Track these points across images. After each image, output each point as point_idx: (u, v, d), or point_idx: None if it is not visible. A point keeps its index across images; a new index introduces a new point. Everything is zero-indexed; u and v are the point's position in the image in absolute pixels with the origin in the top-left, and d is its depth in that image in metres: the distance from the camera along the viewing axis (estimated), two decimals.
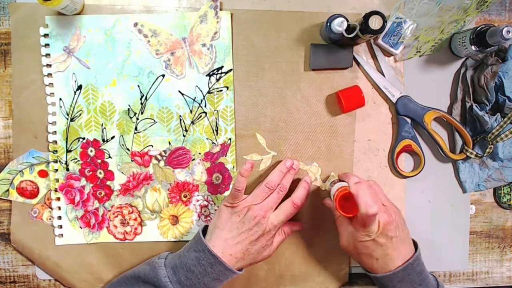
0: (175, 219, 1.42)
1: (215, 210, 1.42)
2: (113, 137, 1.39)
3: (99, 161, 1.39)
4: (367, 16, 1.21)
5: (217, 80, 1.39)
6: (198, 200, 1.42)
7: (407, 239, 1.26)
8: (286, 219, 1.29)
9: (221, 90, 1.39)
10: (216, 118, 1.39)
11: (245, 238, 1.24)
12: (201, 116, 1.39)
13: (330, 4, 1.41)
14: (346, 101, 1.36)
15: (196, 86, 1.39)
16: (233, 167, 1.41)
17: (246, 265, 1.28)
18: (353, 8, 1.41)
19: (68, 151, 1.38)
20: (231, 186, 1.42)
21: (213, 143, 1.40)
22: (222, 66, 1.39)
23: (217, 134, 1.40)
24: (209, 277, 1.21)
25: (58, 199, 1.40)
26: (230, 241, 1.23)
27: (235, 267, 1.24)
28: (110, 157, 1.40)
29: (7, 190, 1.39)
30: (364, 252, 1.22)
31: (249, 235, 1.24)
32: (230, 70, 1.39)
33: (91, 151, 1.39)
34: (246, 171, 1.25)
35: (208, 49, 1.38)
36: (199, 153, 1.41)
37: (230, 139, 1.40)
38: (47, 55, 1.37)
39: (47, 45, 1.36)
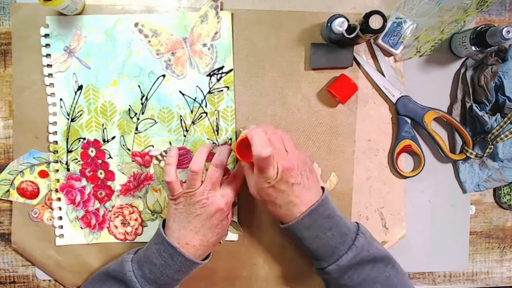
0: None
1: None
2: (113, 138, 1.39)
3: (99, 161, 1.39)
4: (367, 16, 1.21)
5: (218, 80, 1.39)
6: None
7: (313, 186, 1.21)
8: (235, 194, 1.29)
9: (222, 90, 1.39)
10: (216, 118, 1.39)
11: (197, 225, 1.23)
12: (201, 116, 1.39)
13: (330, 4, 1.41)
14: (339, 93, 1.37)
15: (197, 86, 1.39)
16: (234, 167, 1.41)
17: (208, 251, 1.29)
18: (353, 8, 1.42)
19: (68, 151, 1.38)
20: None
21: (213, 143, 1.40)
22: (223, 66, 1.39)
23: (217, 134, 1.40)
24: (171, 269, 1.20)
25: (59, 199, 1.40)
26: (182, 231, 1.23)
27: (196, 256, 1.24)
28: (110, 157, 1.40)
29: (8, 191, 1.39)
30: (268, 199, 1.19)
31: (200, 221, 1.23)
32: (230, 70, 1.39)
33: (92, 151, 1.39)
34: (171, 158, 1.25)
35: (208, 49, 1.38)
36: None
37: (230, 139, 1.40)
38: (48, 55, 1.37)
39: (47, 45, 1.36)
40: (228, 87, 1.39)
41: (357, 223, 1.25)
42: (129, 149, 1.39)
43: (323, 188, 1.24)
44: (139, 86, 1.38)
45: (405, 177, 1.46)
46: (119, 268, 1.23)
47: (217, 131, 1.40)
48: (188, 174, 1.24)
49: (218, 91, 1.39)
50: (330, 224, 1.18)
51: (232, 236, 1.43)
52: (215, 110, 1.40)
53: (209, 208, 1.22)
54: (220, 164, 1.26)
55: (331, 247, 1.17)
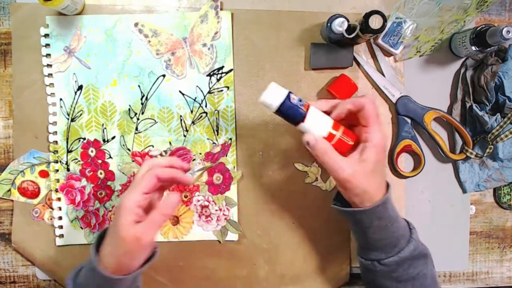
0: (175, 219, 1.42)
1: (216, 210, 1.42)
2: (113, 137, 1.39)
3: (99, 161, 1.39)
4: (367, 16, 1.21)
5: (218, 80, 1.39)
6: (198, 201, 1.42)
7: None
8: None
9: (222, 90, 1.39)
10: (216, 118, 1.40)
11: (110, 232, 1.15)
12: (201, 116, 1.39)
13: (330, 4, 1.41)
14: (339, 93, 1.37)
15: (197, 86, 1.39)
16: (234, 167, 1.41)
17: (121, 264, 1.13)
18: (353, 7, 1.42)
19: (68, 151, 1.38)
20: (231, 186, 1.42)
21: (213, 143, 1.40)
22: (223, 66, 1.39)
23: (217, 134, 1.40)
24: (96, 285, 1.12)
25: (59, 199, 1.40)
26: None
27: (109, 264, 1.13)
28: (110, 157, 1.40)
29: (9, 190, 1.40)
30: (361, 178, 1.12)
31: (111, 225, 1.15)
32: (230, 70, 1.39)
33: (92, 151, 1.39)
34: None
35: (208, 49, 1.38)
36: (200, 153, 1.41)
37: (230, 139, 1.40)
38: (48, 55, 1.37)
39: (47, 45, 1.36)
40: (228, 87, 1.39)
41: (404, 219, 1.24)
42: (129, 149, 1.39)
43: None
44: (139, 86, 1.38)
45: (405, 177, 1.46)
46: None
47: (217, 131, 1.40)
48: None
49: (218, 91, 1.39)
50: (395, 215, 1.17)
51: (232, 236, 1.43)
52: (215, 110, 1.40)
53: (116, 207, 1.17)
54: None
55: (395, 238, 1.16)
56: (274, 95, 1.10)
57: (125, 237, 1.06)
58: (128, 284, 1.13)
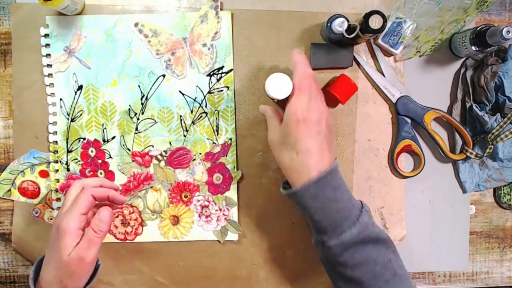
0: (175, 219, 1.42)
1: (216, 210, 1.42)
2: (113, 137, 1.39)
3: (99, 161, 1.40)
4: (367, 16, 1.21)
5: (218, 80, 1.39)
6: (198, 201, 1.42)
7: (330, 149, 1.17)
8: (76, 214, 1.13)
9: (222, 90, 1.39)
10: (216, 118, 1.40)
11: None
12: (201, 116, 1.40)
13: (330, 4, 1.41)
14: (339, 93, 1.36)
15: (197, 86, 1.39)
16: (234, 167, 1.42)
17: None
18: (353, 8, 1.42)
19: (68, 151, 1.39)
20: (231, 186, 1.43)
21: (213, 143, 1.41)
22: (223, 66, 1.39)
23: (217, 134, 1.40)
24: None
25: (59, 199, 1.40)
26: None
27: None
28: (110, 157, 1.40)
29: (9, 190, 1.40)
30: (286, 149, 1.15)
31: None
32: (230, 70, 1.40)
33: (92, 151, 1.39)
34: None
35: (208, 49, 1.38)
36: (200, 153, 1.41)
37: (230, 139, 1.41)
38: (48, 55, 1.37)
39: (47, 45, 1.37)
40: (228, 87, 1.40)
41: (360, 201, 1.20)
42: (129, 149, 1.39)
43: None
44: (139, 86, 1.38)
45: (405, 177, 1.46)
46: None
47: (217, 131, 1.40)
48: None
49: (218, 91, 1.39)
50: (336, 196, 1.12)
51: (232, 236, 1.43)
52: (215, 110, 1.40)
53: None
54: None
55: (335, 220, 1.12)
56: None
57: (69, 261, 1.07)
58: None
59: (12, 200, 1.41)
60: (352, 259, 1.12)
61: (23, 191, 1.40)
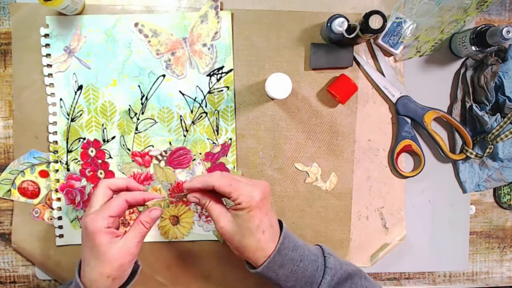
0: (175, 220, 1.42)
1: None
2: (113, 137, 1.39)
3: (99, 161, 1.39)
4: (367, 16, 1.21)
5: (218, 80, 1.39)
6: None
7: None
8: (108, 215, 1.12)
9: (222, 90, 1.39)
10: (216, 118, 1.40)
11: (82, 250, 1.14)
12: (201, 116, 1.39)
13: (330, 4, 1.42)
14: (339, 93, 1.37)
15: (197, 86, 1.39)
16: (234, 167, 1.42)
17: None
18: (353, 8, 1.42)
19: (68, 151, 1.38)
20: None
21: (213, 143, 1.40)
22: (223, 66, 1.39)
23: (217, 134, 1.40)
24: None
25: (59, 199, 1.40)
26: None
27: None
28: (110, 157, 1.40)
29: (9, 190, 1.40)
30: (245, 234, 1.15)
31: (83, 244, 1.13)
32: (230, 70, 1.40)
33: (92, 151, 1.39)
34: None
35: (208, 49, 1.38)
36: (200, 153, 1.41)
37: (230, 139, 1.40)
38: (48, 55, 1.37)
39: (47, 45, 1.37)
40: (228, 87, 1.39)
41: (318, 245, 1.23)
42: (129, 149, 1.39)
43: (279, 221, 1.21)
44: (139, 86, 1.38)
45: (405, 177, 1.46)
46: None
47: (217, 131, 1.40)
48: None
49: (218, 91, 1.39)
50: (299, 255, 1.14)
51: None
52: (215, 110, 1.40)
53: (83, 227, 1.11)
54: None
55: (308, 277, 1.14)
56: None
57: (116, 254, 1.08)
58: None
59: (12, 200, 1.41)
60: None
61: (23, 191, 1.40)
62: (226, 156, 1.41)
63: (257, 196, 1.12)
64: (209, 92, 1.39)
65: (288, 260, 1.12)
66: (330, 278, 1.13)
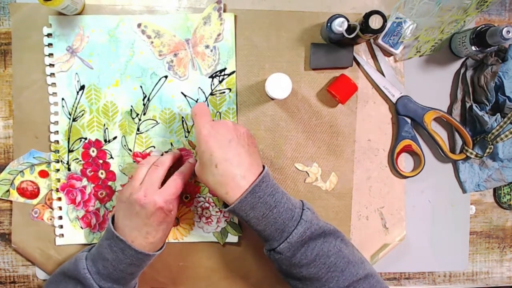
0: (176, 220, 1.42)
1: (216, 212, 1.43)
2: (115, 138, 1.39)
3: (101, 161, 1.40)
4: (367, 16, 1.21)
5: (220, 82, 1.39)
6: (199, 202, 1.42)
7: (254, 160, 1.21)
8: (175, 194, 1.26)
9: (224, 92, 1.39)
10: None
11: (139, 223, 1.22)
12: None
13: (330, 4, 1.42)
14: (339, 93, 1.37)
15: (199, 87, 1.39)
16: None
17: (160, 243, 1.28)
18: (353, 8, 1.42)
19: (70, 151, 1.38)
20: None
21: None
22: (225, 68, 1.39)
23: None
24: (123, 262, 1.19)
25: (59, 199, 1.40)
26: (127, 229, 1.22)
27: (147, 248, 1.22)
28: (112, 157, 1.40)
29: (8, 191, 1.39)
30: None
31: (141, 219, 1.22)
32: (233, 72, 1.40)
33: (93, 151, 1.39)
34: (148, 160, 1.31)
35: (211, 50, 1.38)
36: None
37: None
38: (50, 54, 1.37)
39: (50, 44, 1.37)
40: (230, 89, 1.40)
41: (301, 200, 1.22)
42: (130, 150, 1.39)
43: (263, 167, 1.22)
44: (141, 86, 1.38)
45: (405, 177, 1.47)
46: (74, 266, 1.22)
47: None
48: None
49: (220, 93, 1.39)
50: (275, 201, 1.14)
51: (232, 238, 1.43)
52: (217, 112, 1.40)
53: (148, 207, 1.20)
54: (160, 163, 1.28)
55: (279, 224, 1.14)
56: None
57: (157, 211, 1.21)
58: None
59: (11, 201, 1.41)
60: (305, 257, 1.14)
61: (22, 191, 1.39)
62: None
63: (207, 128, 1.17)
64: (211, 94, 1.39)
65: (261, 204, 1.13)
66: (303, 230, 1.13)
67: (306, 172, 1.43)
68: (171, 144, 1.40)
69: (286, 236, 1.13)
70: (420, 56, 1.45)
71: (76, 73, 1.37)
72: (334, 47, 1.40)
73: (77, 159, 1.39)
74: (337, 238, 1.18)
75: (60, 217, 1.40)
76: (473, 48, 1.34)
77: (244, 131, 1.21)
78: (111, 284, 1.21)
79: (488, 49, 1.33)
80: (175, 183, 1.26)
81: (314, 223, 1.15)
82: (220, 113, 1.40)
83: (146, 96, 1.38)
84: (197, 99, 1.39)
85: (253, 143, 1.23)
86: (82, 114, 1.38)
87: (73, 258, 1.26)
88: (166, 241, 1.39)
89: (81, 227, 1.41)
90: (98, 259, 1.21)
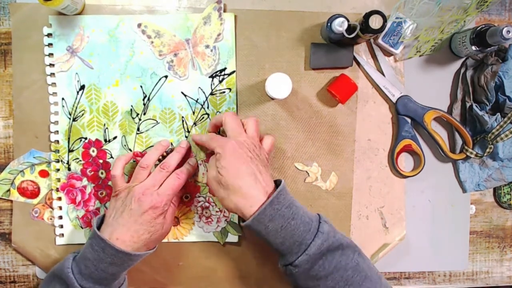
0: (176, 220, 1.42)
1: (216, 211, 1.43)
2: (115, 138, 1.39)
3: (101, 161, 1.40)
4: (367, 16, 1.21)
5: (220, 82, 1.39)
6: (199, 202, 1.42)
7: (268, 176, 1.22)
8: (172, 193, 1.27)
9: (224, 92, 1.39)
10: None
11: (129, 220, 1.21)
12: (203, 118, 1.40)
13: (331, 4, 1.42)
14: (339, 93, 1.37)
15: (199, 87, 1.39)
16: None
17: (143, 246, 1.25)
18: (353, 8, 1.42)
19: (70, 151, 1.39)
20: None
21: (171, 144, 1.41)
22: (225, 68, 1.40)
23: None
24: (104, 262, 1.18)
25: (60, 198, 1.40)
26: (115, 225, 1.21)
27: (129, 248, 1.21)
28: (112, 157, 1.40)
29: (8, 190, 1.40)
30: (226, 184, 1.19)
31: (132, 216, 1.21)
32: (233, 72, 1.40)
33: (93, 151, 1.39)
34: (124, 157, 1.31)
35: (211, 50, 1.38)
36: (201, 155, 1.41)
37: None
38: (50, 54, 1.37)
39: (50, 44, 1.37)
40: (230, 89, 1.40)
41: (318, 213, 1.22)
42: (130, 149, 1.39)
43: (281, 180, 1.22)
44: (141, 86, 1.38)
45: (405, 177, 1.47)
46: (61, 266, 1.21)
47: (219, 132, 1.39)
48: (136, 169, 1.28)
49: (220, 93, 1.39)
50: (292, 213, 1.14)
51: (232, 237, 1.44)
52: (217, 112, 1.40)
53: (143, 204, 1.21)
54: (167, 167, 1.29)
55: (297, 236, 1.13)
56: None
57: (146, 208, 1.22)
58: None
59: (11, 200, 1.41)
60: (323, 269, 1.13)
61: (22, 191, 1.40)
62: None
63: (230, 142, 1.18)
64: (211, 94, 1.39)
65: (279, 216, 1.13)
66: (321, 242, 1.12)
67: (306, 171, 1.43)
68: (171, 144, 1.40)
69: (304, 248, 1.12)
70: (420, 56, 1.45)
71: (76, 73, 1.37)
72: (334, 47, 1.40)
73: (77, 159, 1.39)
74: (355, 252, 1.18)
75: (60, 217, 1.41)
76: (473, 48, 1.34)
77: (257, 144, 1.24)
78: (92, 284, 1.19)
79: (488, 49, 1.33)
80: (172, 184, 1.27)
81: (331, 236, 1.15)
82: (220, 113, 1.40)
83: (146, 96, 1.38)
84: (197, 99, 1.40)
85: (265, 154, 1.25)
86: (82, 114, 1.38)
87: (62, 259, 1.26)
88: (167, 240, 1.40)
89: (81, 227, 1.41)
90: (80, 259, 1.20)
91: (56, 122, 1.38)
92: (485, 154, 1.40)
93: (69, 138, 1.38)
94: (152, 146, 1.40)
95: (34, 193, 1.40)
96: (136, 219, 1.21)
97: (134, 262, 1.24)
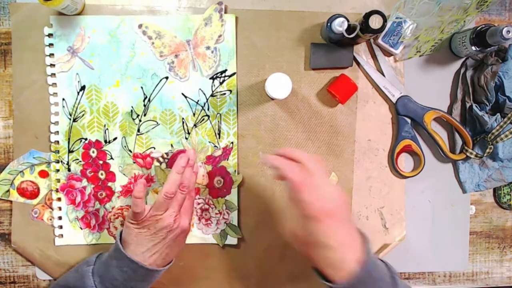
0: None
1: (216, 214, 1.43)
2: (115, 139, 1.39)
3: (101, 162, 1.40)
4: (367, 16, 1.21)
5: (221, 83, 1.39)
6: (199, 203, 1.42)
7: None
8: (192, 211, 1.33)
9: (224, 94, 1.39)
10: (218, 122, 1.40)
11: (162, 247, 1.23)
12: (203, 119, 1.40)
13: (330, 4, 1.42)
14: (339, 93, 1.38)
15: (200, 89, 1.39)
16: (235, 171, 1.42)
17: (169, 261, 1.30)
18: (353, 8, 1.42)
19: (70, 151, 1.38)
20: (232, 190, 1.43)
21: (215, 146, 1.41)
22: (226, 69, 1.39)
23: (219, 138, 1.40)
24: (134, 280, 1.20)
25: (59, 199, 1.40)
26: (146, 253, 1.22)
27: (155, 266, 1.24)
28: (112, 158, 1.40)
29: (8, 191, 1.39)
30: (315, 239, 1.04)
31: (165, 243, 1.24)
32: (233, 74, 1.40)
33: (93, 152, 1.39)
34: (140, 193, 1.20)
35: (212, 52, 1.38)
36: (201, 156, 1.41)
37: (232, 142, 1.41)
38: (51, 54, 1.37)
39: (51, 44, 1.37)
40: (230, 91, 1.40)
41: (381, 260, 1.12)
42: (130, 151, 1.39)
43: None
44: (141, 87, 1.38)
45: (405, 177, 1.47)
46: (80, 282, 1.21)
47: (219, 134, 1.40)
48: (159, 197, 1.22)
49: (221, 94, 1.39)
50: (379, 272, 1.05)
51: (232, 240, 1.44)
52: (217, 113, 1.40)
53: (176, 231, 1.24)
54: (187, 186, 1.26)
55: None
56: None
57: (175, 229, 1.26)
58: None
59: (11, 201, 1.41)
60: None
61: (22, 192, 1.39)
62: (228, 159, 1.41)
63: (323, 203, 1.04)
64: (211, 95, 1.39)
65: (371, 279, 1.02)
66: None
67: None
68: (171, 145, 1.40)
69: None
70: (420, 56, 1.45)
71: (77, 74, 1.37)
72: (334, 47, 1.40)
73: (77, 159, 1.39)
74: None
75: (60, 218, 1.40)
76: (473, 48, 1.34)
77: (345, 199, 1.09)
78: None
79: (488, 49, 1.33)
80: (190, 205, 1.33)
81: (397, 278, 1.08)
82: (220, 114, 1.40)
83: (146, 97, 1.38)
84: (198, 100, 1.40)
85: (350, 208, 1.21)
86: (83, 115, 1.38)
87: (77, 272, 1.26)
88: None
89: (81, 228, 1.41)
90: (106, 279, 1.20)
91: (56, 123, 1.38)
92: (485, 155, 1.40)
93: (69, 139, 1.38)
94: (152, 147, 1.40)
95: (34, 194, 1.40)
96: (169, 245, 1.25)
97: (160, 274, 1.27)
